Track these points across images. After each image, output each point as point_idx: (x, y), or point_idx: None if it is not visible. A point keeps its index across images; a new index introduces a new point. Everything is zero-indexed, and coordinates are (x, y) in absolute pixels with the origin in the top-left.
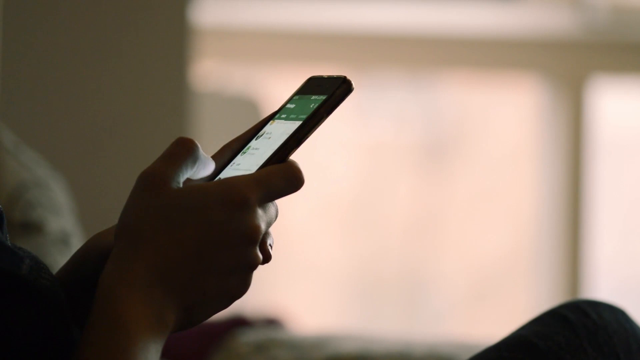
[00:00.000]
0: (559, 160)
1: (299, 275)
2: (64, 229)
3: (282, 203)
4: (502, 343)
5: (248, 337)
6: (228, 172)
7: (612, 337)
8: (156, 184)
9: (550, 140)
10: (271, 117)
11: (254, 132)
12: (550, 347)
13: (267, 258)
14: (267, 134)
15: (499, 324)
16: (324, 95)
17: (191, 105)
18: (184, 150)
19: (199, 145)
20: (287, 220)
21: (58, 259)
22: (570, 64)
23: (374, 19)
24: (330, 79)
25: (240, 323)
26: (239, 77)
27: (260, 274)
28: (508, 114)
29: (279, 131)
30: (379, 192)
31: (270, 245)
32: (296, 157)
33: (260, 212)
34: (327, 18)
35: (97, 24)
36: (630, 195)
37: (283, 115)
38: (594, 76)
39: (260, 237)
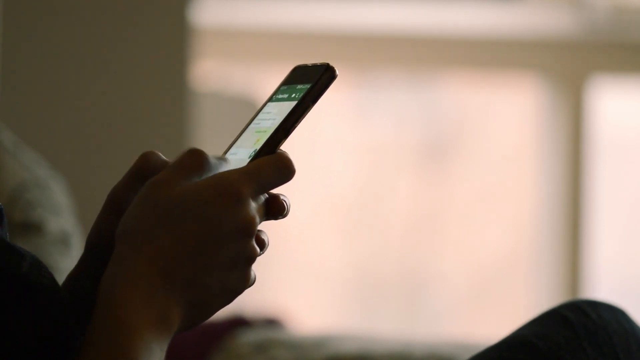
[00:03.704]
0: (559, 160)
1: (299, 275)
2: (64, 229)
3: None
4: (502, 343)
5: (248, 337)
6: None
7: (611, 337)
8: (159, 190)
9: (550, 140)
10: (262, 106)
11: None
12: (550, 347)
13: (263, 247)
14: (257, 124)
15: (499, 324)
16: (309, 83)
17: (191, 105)
18: (195, 163)
19: (209, 157)
20: (287, 221)
21: (58, 259)
22: (570, 64)
23: (373, 19)
24: (314, 67)
25: (240, 323)
26: (239, 77)
27: (260, 274)
28: (508, 114)
29: (268, 123)
30: (379, 192)
31: (264, 238)
32: (296, 156)
33: (253, 204)
34: (327, 18)
35: (97, 24)
36: (631, 195)
37: (272, 104)
38: (594, 76)
39: (256, 229)
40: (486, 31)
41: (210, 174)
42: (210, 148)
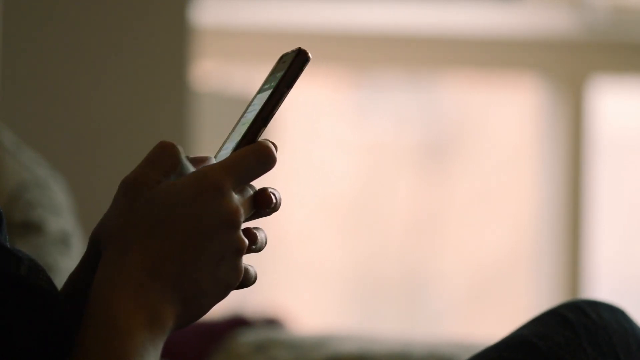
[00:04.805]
0: (559, 160)
1: (299, 275)
2: (64, 229)
3: (282, 203)
4: (502, 343)
5: (248, 337)
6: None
7: (611, 337)
8: (136, 188)
9: (551, 140)
10: (253, 98)
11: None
12: (550, 347)
13: (254, 241)
14: (245, 116)
15: (499, 324)
16: (284, 70)
17: (191, 105)
18: (166, 156)
19: (181, 149)
20: (287, 221)
21: (58, 259)
22: (570, 64)
23: (373, 19)
24: (291, 53)
25: (240, 323)
26: (239, 77)
27: (260, 274)
28: (508, 114)
29: (252, 114)
30: (379, 192)
31: (256, 232)
32: (297, 156)
33: (236, 196)
34: (327, 18)
35: (97, 24)
36: (631, 195)
37: (258, 95)
38: (594, 76)
39: (241, 219)
40: (486, 31)
41: (181, 167)
42: (210, 148)
